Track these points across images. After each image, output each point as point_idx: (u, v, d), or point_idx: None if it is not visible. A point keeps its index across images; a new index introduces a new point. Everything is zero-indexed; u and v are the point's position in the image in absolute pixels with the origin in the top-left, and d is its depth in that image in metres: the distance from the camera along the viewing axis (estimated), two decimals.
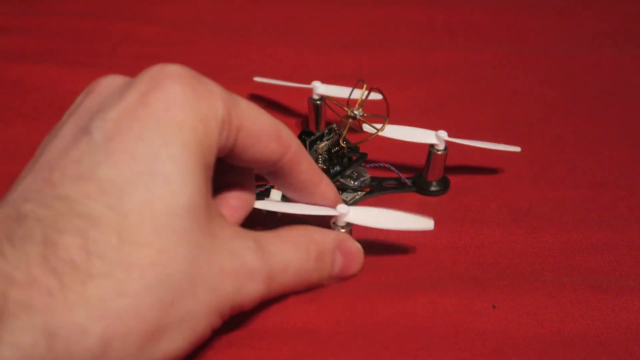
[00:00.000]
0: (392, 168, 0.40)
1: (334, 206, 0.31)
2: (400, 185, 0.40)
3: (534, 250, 0.35)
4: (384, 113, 0.38)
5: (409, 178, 0.40)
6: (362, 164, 0.40)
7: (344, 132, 0.37)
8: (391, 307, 0.30)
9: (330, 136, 0.37)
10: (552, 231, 0.36)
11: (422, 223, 0.31)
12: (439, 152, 0.38)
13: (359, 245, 0.32)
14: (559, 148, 0.44)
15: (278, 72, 0.52)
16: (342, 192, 0.39)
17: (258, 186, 0.36)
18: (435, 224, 0.31)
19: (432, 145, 0.38)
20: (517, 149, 0.39)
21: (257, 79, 0.47)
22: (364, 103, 0.37)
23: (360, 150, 0.39)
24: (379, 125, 0.37)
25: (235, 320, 0.29)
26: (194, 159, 0.23)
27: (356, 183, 0.39)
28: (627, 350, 0.29)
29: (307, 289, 0.29)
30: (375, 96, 0.38)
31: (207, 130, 0.24)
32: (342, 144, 0.37)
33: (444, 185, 0.40)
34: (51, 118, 0.45)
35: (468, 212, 0.37)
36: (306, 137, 0.36)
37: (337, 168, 0.38)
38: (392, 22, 0.61)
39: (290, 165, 0.28)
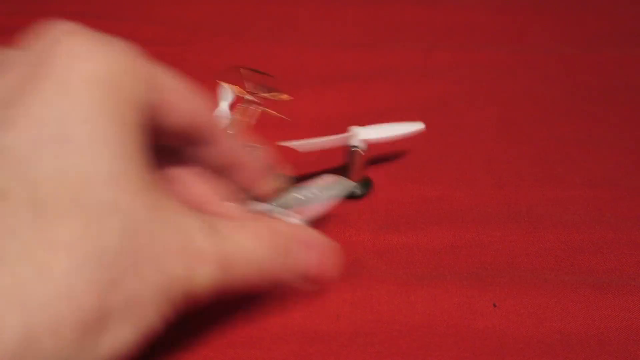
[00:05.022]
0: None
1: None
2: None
3: (534, 250, 0.35)
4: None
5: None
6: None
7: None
8: (391, 304, 0.30)
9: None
10: (552, 231, 0.36)
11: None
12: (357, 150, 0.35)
13: (333, 244, 0.28)
14: (559, 148, 0.44)
15: (278, 72, 0.52)
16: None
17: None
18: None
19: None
20: (421, 125, 0.39)
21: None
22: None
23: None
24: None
25: (235, 320, 0.29)
26: (112, 119, 0.20)
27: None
28: (627, 350, 0.29)
29: (272, 287, 0.26)
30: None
31: (123, 82, 0.21)
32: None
33: (365, 188, 0.37)
34: None
35: (468, 211, 0.37)
36: None
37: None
38: (392, 22, 0.61)
39: (214, 126, 0.26)
